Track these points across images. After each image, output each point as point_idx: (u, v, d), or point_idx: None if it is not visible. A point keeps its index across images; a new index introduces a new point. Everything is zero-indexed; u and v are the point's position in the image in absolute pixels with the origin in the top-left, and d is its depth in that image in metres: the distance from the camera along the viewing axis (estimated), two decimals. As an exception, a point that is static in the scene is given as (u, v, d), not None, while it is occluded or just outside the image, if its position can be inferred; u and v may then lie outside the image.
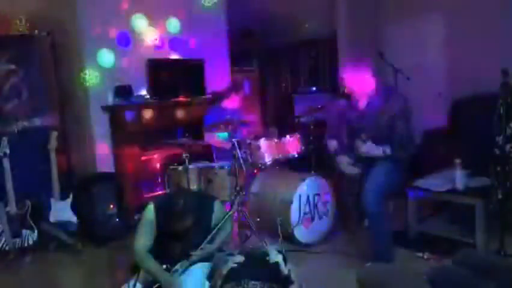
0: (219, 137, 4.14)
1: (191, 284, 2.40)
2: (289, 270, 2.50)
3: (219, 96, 4.53)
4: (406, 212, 3.64)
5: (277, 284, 2.33)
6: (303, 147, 4.06)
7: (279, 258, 2.48)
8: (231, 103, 4.33)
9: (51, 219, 3.89)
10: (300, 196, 3.53)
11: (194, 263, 2.49)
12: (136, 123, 4.54)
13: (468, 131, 4.73)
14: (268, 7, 6.88)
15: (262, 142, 3.88)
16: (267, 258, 2.48)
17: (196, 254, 2.47)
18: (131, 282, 2.42)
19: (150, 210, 2.56)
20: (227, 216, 2.63)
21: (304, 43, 6.84)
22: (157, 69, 4.71)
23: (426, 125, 5.13)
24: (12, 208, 3.74)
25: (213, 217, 2.65)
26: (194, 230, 2.52)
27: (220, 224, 2.60)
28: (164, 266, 2.45)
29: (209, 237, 2.50)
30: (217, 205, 2.70)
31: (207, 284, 2.50)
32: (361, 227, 3.54)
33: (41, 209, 3.91)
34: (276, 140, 3.94)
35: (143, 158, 4.66)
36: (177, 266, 2.43)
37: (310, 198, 3.61)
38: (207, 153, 4.53)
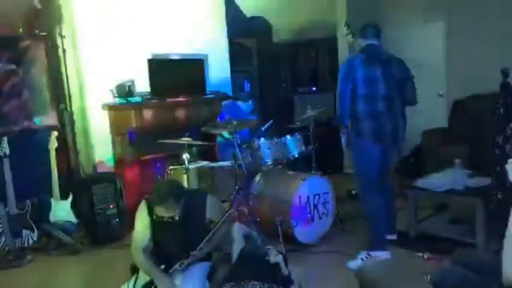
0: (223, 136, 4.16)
1: (191, 284, 2.40)
2: (289, 271, 2.50)
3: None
4: (406, 212, 3.64)
5: (277, 284, 2.33)
6: (303, 147, 4.07)
7: (279, 259, 2.48)
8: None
9: (51, 219, 3.89)
10: (300, 196, 3.53)
11: (193, 262, 2.48)
12: (136, 122, 4.53)
13: (468, 131, 4.73)
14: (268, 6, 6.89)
15: (262, 142, 3.89)
16: (267, 258, 2.48)
17: (195, 253, 2.46)
18: (131, 282, 2.42)
19: (143, 207, 2.57)
20: (226, 215, 2.62)
21: (305, 43, 6.84)
22: (157, 68, 4.71)
23: (426, 125, 5.14)
24: (12, 208, 3.75)
25: (207, 211, 2.60)
26: (188, 225, 2.51)
27: (219, 224, 2.59)
28: (163, 266, 2.44)
29: (208, 237, 2.50)
30: (210, 199, 2.64)
31: (207, 284, 2.50)
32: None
33: (41, 209, 3.91)
34: (276, 140, 3.94)
35: (143, 157, 4.66)
36: (176, 266, 2.42)
37: (310, 198, 3.61)
38: (209, 153, 4.56)
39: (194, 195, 2.67)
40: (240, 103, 4.50)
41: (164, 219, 2.45)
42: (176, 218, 2.51)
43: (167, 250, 2.52)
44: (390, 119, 3.24)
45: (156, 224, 2.54)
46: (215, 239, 2.61)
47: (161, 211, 2.42)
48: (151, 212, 2.52)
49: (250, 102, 4.52)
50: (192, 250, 2.46)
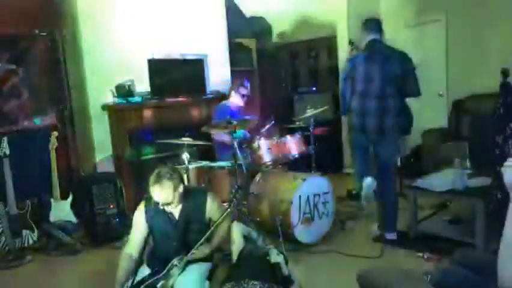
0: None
1: (190, 284, 2.39)
2: (289, 271, 2.50)
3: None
4: (406, 212, 3.64)
5: (277, 284, 2.33)
6: (303, 147, 4.07)
7: (280, 259, 2.48)
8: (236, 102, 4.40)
9: (51, 219, 3.89)
10: (300, 196, 3.52)
11: (192, 260, 2.48)
12: (136, 122, 4.54)
13: (468, 131, 4.73)
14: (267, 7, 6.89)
15: (262, 142, 3.89)
16: (268, 258, 2.48)
17: (193, 252, 2.46)
18: (130, 282, 2.42)
19: (142, 208, 2.59)
20: (225, 214, 2.62)
21: (305, 43, 6.84)
22: (157, 69, 4.71)
23: (426, 125, 5.14)
24: (12, 208, 3.75)
25: (207, 210, 2.61)
26: (188, 224, 2.51)
27: (217, 223, 2.59)
28: (155, 270, 2.44)
29: (206, 235, 2.49)
30: (210, 198, 2.65)
31: (207, 284, 2.50)
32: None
33: (41, 209, 3.91)
34: (276, 140, 3.94)
35: (143, 157, 4.66)
36: (175, 261, 2.42)
37: (310, 198, 3.61)
38: (209, 153, 4.55)
39: (195, 194, 2.67)
40: (228, 103, 4.47)
41: (161, 208, 2.45)
42: (176, 217, 2.52)
43: (168, 249, 2.52)
44: (378, 116, 3.36)
45: (156, 223, 2.54)
46: (214, 239, 2.61)
47: (157, 193, 2.40)
48: (149, 209, 2.53)
49: (234, 94, 4.45)
50: (191, 248, 2.46)
